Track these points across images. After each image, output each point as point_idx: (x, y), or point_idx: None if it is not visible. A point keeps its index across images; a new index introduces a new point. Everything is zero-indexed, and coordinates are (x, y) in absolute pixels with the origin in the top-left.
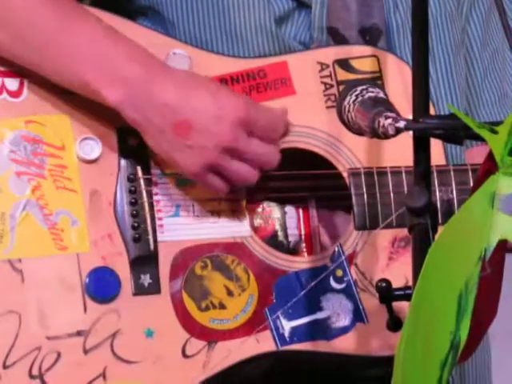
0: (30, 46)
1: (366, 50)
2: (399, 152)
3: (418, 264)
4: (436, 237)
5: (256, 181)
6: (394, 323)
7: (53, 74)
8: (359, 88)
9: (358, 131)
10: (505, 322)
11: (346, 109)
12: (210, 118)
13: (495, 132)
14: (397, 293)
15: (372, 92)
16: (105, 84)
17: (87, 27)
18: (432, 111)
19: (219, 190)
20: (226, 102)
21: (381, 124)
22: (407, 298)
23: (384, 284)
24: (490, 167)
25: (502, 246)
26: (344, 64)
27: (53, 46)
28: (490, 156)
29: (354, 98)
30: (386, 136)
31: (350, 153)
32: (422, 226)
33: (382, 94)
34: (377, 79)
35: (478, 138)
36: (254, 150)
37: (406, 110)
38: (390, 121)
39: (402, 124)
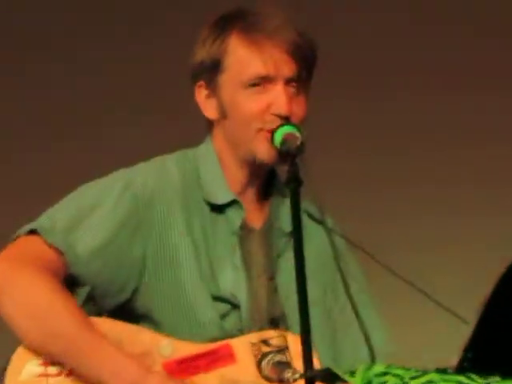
0: (59, 348)
1: (277, 332)
2: None
3: None
4: None
5: None
6: None
7: (76, 367)
8: (270, 355)
9: (275, 380)
10: None
11: (263, 368)
12: None
13: (353, 376)
14: None
15: (278, 357)
16: (113, 379)
17: (105, 346)
18: (317, 361)
19: None
20: None
21: (286, 376)
22: None
23: None
24: None
25: None
26: (265, 342)
27: (84, 354)
28: None
29: (267, 361)
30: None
31: None
32: None
33: (284, 358)
34: (285, 349)
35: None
36: None
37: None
38: (290, 373)
39: (297, 374)
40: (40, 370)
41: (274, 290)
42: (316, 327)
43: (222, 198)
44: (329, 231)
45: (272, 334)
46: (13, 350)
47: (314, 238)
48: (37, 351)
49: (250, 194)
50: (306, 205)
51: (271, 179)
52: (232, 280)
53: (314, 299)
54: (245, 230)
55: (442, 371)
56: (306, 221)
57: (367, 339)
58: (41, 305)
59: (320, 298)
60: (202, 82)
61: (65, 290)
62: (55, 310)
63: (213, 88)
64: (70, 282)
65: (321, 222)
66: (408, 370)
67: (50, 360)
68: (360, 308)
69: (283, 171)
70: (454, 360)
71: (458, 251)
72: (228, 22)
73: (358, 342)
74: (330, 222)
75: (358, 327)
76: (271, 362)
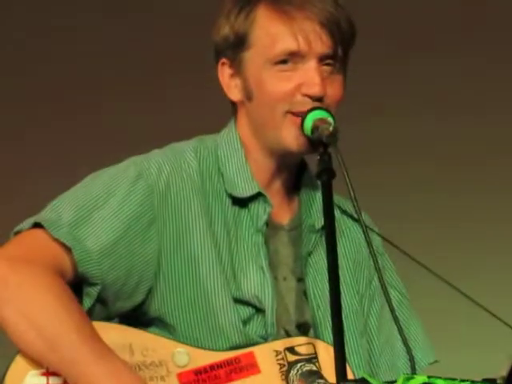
0: (58, 358)
1: (304, 339)
2: None
3: None
4: None
5: None
6: None
7: (75, 379)
8: (299, 364)
9: None
10: None
11: (291, 379)
12: None
13: None
14: None
15: (307, 367)
16: None
17: (108, 357)
18: (349, 371)
19: None
20: None
21: None
22: None
23: None
24: None
25: None
26: (291, 350)
27: (83, 366)
28: None
29: (295, 371)
30: None
31: None
32: None
33: (314, 368)
34: (313, 358)
35: None
36: None
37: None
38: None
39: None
40: (42, 381)
41: (302, 293)
42: (350, 337)
43: (246, 191)
44: (365, 228)
45: (299, 341)
46: (8, 355)
47: (349, 235)
48: (35, 359)
49: (277, 186)
50: (338, 200)
51: (301, 170)
52: (256, 282)
53: (347, 304)
54: (271, 226)
55: (491, 382)
56: (339, 217)
57: (409, 351)
58: (43, 313)
59: (353, 302)
60: (225, 60)
61: (69, 295)
62: (57, 318)
63: (237, 66)
64: (80, 280)
65: (356, 219)
66: (452, 380)
67: (51, 370)
68: (401, 318)
69: (314, 161)
70: (503, 371)
71: None
72: None
73: (398, 353)
74: (366, 219)
75: (397, 337)
76: (300, 371)
